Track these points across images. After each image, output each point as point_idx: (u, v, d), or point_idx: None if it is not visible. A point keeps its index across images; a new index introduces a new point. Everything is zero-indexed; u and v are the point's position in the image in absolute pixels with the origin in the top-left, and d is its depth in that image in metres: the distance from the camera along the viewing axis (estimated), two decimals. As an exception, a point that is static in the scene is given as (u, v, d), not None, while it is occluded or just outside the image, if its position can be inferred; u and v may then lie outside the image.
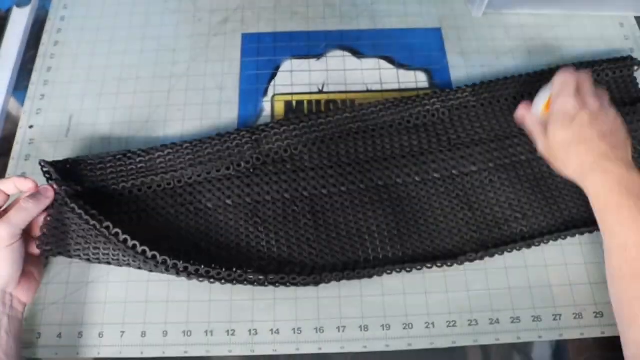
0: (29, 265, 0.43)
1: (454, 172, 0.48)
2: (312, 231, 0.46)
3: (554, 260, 0.47)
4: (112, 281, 0.46)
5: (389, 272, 0.44)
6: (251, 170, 0.48)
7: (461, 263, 0.45)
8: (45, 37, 0.59)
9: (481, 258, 0.45)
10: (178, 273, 0.42)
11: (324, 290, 0.45)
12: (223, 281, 0.42)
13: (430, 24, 0.60)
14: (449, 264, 0.45)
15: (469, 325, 0.44)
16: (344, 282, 0.44)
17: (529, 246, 0.46)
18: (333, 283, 0.44)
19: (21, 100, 0.55)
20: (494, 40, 0.59)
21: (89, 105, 0.55)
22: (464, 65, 0.57)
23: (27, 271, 0.42)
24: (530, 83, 0.52)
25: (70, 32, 0.60)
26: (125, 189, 0.47)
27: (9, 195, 0.42)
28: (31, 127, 0.54)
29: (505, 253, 0.46)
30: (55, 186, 0.43)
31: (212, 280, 0.42)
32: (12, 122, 0.55)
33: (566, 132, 0.42)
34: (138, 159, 0.48)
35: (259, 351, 0.43)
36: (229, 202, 0.47)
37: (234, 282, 0.43)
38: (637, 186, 0.38)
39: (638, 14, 0.61)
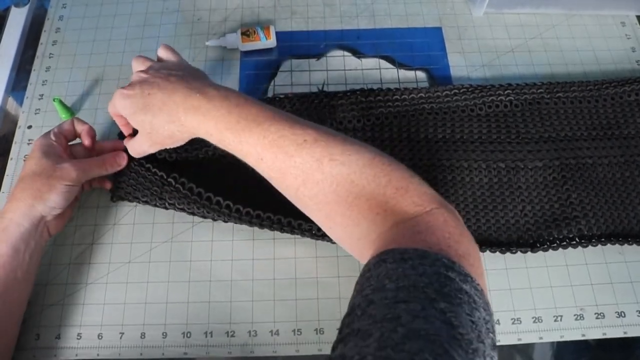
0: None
1: (519, 164, 0.49)
2: None
3: (555, 261, 0.46)
4: (111, 282, 0.46)
5: None
6: None
7: (514, 252, 0.46)
8: (43, 37, 0.59)
9: (534, 251, 0.46)
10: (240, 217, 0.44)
11: (324, 291, 0.45)
12: (274, 226, 0.44)
13: (430, 24, 0.60)
14: (501, 252, 0.46)
15: (470, 326, 0.44)
16: (342, 282, 0.45)
17: (584, 246, 0.46)
18: (332, 283, 0.44)
19: (20, 101, 0.55)
20: (495, 40, 0.58)
21: (87, 105, 0.54)
22: (465, 65, 0.56)
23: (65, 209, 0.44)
24: (606, 88, 0.52)
25: (69, 31, 0.59)
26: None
27: (77, 136, 0.47)
28: (30, 127, 0.53)
29: (507, 254, 0.46)
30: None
31: (254, 221, 0.44)
32: (10, 122, 0.54)
33: (145, 113, 0.40)
34: None
35: (259, 352, 0.43)
36: None
37: (293, 230, 0.44)
38: (224, 103, 0.38)
39: (639, 12, 0.60)
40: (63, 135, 0.45)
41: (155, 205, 0.47)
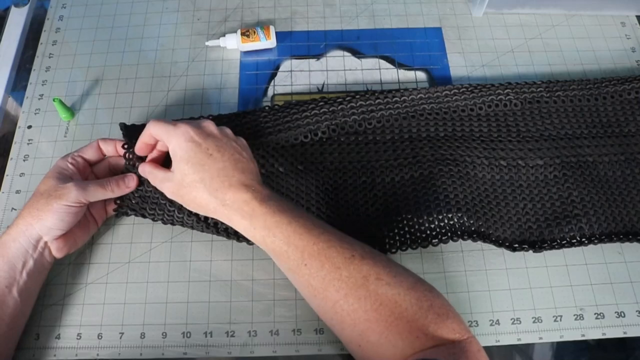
0: (76, 228, 0.43)
1: (520, 162, 0.49)
2: (382, 201, 0.47)
3: (555, 261, 0.46)
4: (111, 282, 0.46)
5: (454, 239, 0.45)
6: (324, 140, 0.50)
7: (514, 250, 0.45)
8: (43, 37, 0.59)
9: (536, 251, 0.46)
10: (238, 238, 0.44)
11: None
12: None
13: (430, 24, 0.60)
14: (501, 248, 0.46)
15: (469, 326, 0.44)
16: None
17: (585, 244, 0.46)
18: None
19: (19, 100, 0.55)
20: (495, 40, 0.58)
21: (87, 105, 0.54)
22: (465, 65, 0.57)
23: (71, 232, 0.43)
24: (606, 87, 0.52)
25: (69, 31, 0.59)
26: None
27: (104, 155, 0.46)
28: (29, 127, 0.53)
29: (506, 253, 0.46)
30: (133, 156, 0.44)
31: None
32: (10, 122, 0.54)
33: (195, 169, 0.39)
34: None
35: (259, 352, 0.43)
36: (300, 167, 0.48)
37: None
38: (276, 203, 0.38)
39: (639, 13, 0.60)
40: (82, 158, 0.45)
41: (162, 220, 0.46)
